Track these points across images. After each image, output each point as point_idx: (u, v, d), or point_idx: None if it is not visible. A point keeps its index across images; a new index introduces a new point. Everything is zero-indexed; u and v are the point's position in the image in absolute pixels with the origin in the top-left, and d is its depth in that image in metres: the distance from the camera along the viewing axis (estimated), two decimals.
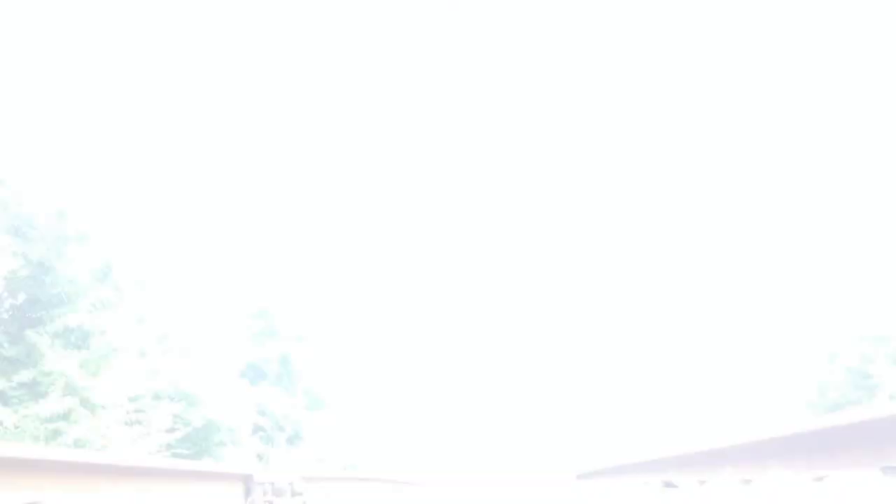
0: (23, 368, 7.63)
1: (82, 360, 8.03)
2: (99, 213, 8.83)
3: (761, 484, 4.07)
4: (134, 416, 8.50)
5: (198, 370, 11.15)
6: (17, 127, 9.23)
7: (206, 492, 5.22)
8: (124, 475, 4.17)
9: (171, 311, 10.63)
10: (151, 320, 9.85)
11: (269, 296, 16.36)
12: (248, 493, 6.08)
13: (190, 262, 12.32)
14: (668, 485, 6.00)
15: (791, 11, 28.01)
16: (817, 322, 15.99)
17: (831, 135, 23.32)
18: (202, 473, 5.37)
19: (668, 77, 31.84)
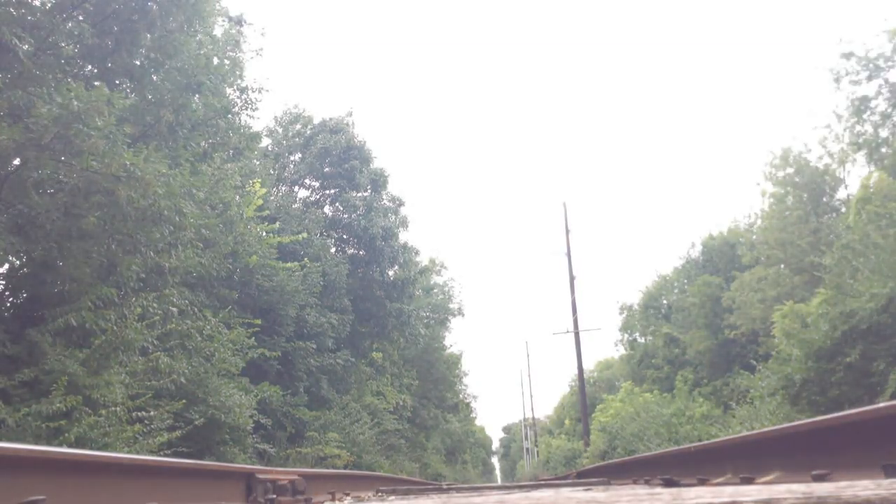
0: (24, 367, 7.65)
1: (84, 358, 8.06)
2: None
3: (761, 483, 4.07)
4: (135, 414, 8.52)
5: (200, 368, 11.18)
6: None
7: (207, 490, 5.23)
8: (126, 474, 4.18)
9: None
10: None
11: None
12: (249, 491, 6.09)
13: None
14: (669, 483, 6.00)
15: None
16: None
17: None
18: (203, 472, 5.38)
19: None
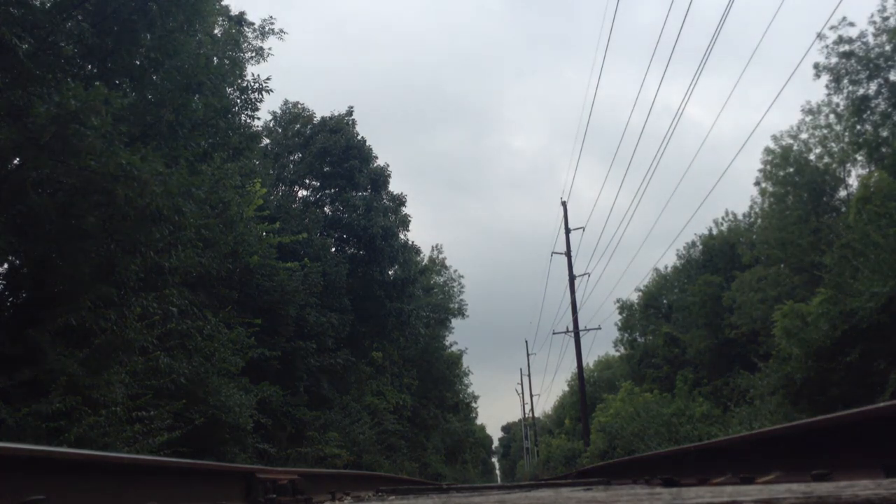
0: (24, 367, 7.65)
1: (84, 358, 8.06)
2: None
3: (761, 483, 4.07)
4: (135, 414, 8.53)
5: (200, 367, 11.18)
6: None
7: (207, 490, 5.23)
8: (126, 474, 4.18)
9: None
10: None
11: None
12: (249, 491, 6.09)
13: None
14: (669, 483, 6.00)
15: None
16: None
17: None
18: (203, 472, 5.38)
19: None
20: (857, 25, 22.31)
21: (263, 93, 14.34)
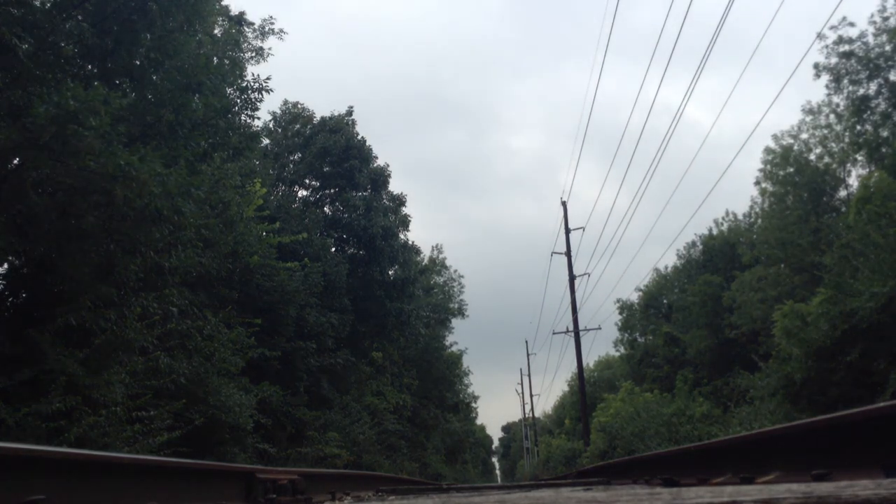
0: (24, 367, 7.65)
1: (84, 358, 8.06)
2: None
3: (761, 483, 4.07)
4: (135, 414, 8.52)
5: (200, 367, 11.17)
6: None
7: (207, 490, 5.22)
8: (126, 474, 4.18)
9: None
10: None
11: None
12: (249, 491, 6.09)
13: None
14: (669, 483, 6.00)
15: None
16: None
17: None
18: (203, 472, 5.38)
19: None
20: (857, 25, 22.34)
21: (263, 93, 14.33)
